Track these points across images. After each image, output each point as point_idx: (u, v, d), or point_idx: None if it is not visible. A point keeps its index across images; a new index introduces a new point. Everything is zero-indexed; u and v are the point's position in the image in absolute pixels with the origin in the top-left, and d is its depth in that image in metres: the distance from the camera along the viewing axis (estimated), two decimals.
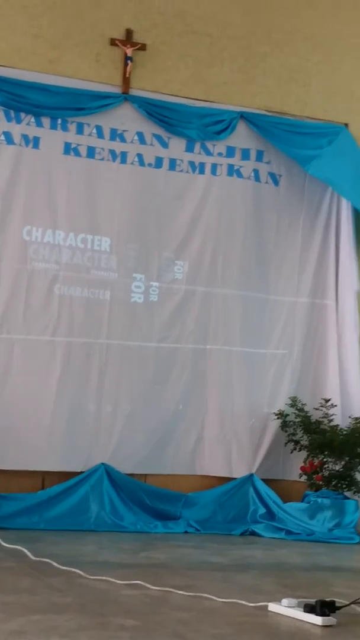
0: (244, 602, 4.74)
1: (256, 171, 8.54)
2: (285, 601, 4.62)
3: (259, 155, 8.57)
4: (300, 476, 8.16)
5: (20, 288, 7.80)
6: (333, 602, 4.49)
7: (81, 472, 7.79)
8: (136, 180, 8.21)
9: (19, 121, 7.85)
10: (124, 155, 8.19)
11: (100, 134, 8.13)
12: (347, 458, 8.07)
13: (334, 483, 8.03)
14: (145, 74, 8.26)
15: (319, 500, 7.93)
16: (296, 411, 8.23)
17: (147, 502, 7.84)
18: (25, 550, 5.84)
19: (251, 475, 8.25)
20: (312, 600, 4.50)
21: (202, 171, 8.42)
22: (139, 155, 8.23)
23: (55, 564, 5.51)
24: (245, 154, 8.53)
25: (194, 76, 8.45)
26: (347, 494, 8.05)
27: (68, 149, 8.03)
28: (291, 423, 8.23)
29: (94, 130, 8.12)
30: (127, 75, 8.16)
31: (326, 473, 8.06)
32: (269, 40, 8.69)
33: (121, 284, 8.12)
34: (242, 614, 4.54)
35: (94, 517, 7.61)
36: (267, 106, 8.64)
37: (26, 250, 7.85)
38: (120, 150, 8.18)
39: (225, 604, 4.74)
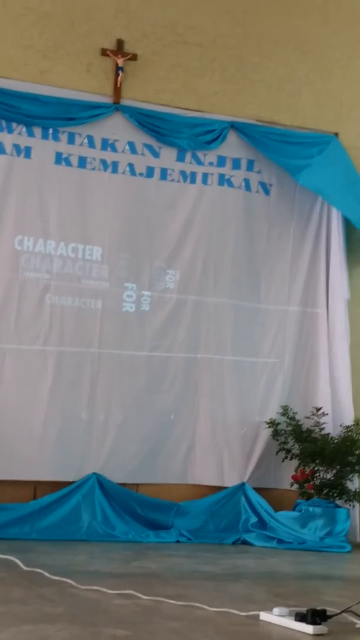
0: (235, 612, 4.74)
1: (247, 181, 8.58)
2: (276, 610, 4.62)
3: (250, 165, 8.60)
4: (292, 485, 8.17)
5: (12, 297, 7.81)
6: (324, 611, 4.50)
7: (73, 482, 7.78)
8: (127, 189, 8.23)
9: (10, 131, 7.87)
10: (115, 165, 8.21)
11: (91, 144, 8.15)
12: (338, 466, 8.08)
13: (325, 491, 8.04)
14: (136, 84, 8.29)
15: (311, 508, 7.94)
16: (287, 420, 8.25)
17: (138, 512, 7.84)
18: (17, 561, 5.83)
19: (243, 484, 8.26)
20: (304, 609, 4.50)
21: (193, 181, 8.44)
22: (130, 165, 8.26)
23: (46, 574, 5.50)
24: (236, 164, 8.56)
25: (184, 86, 8.48)
26: (338, 502, 8.06)
27: (59, 158, 8.04)
28: (282, 432, 8.24)
29: (85, 140, 8.14)
30: (118, 85, 8.19)
31: (317, 482, 8.07)
32: (259, 51, 8.73)
33: (113, 294, 8.13)
34: (233, 623, 4.54)
35: (86, 527, 7.61)
36: (257, 116, 8.68)
37: (18, 259, 7.86)
38: (111, 160, 8.20)
39: (217, 613, 4.74)
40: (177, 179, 8.40)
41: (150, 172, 8.32)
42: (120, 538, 7.54)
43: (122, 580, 5.52)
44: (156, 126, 8.30)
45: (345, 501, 8.09)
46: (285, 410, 8.29)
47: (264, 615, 4.65)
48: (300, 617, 4.47)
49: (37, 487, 7.74)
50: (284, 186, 8.69)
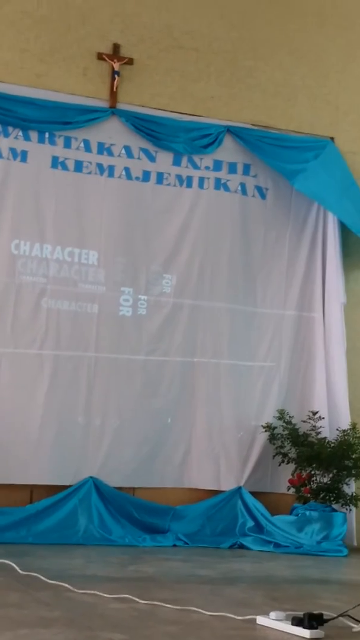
0: (232, 616, 4.74)
1: (243, 185, 8.58)
2: (273, 614, 4.61)
3: (246, 169, 8.62)
4: (289, 489, 8.17)
5: (8, 301, 7.81)
6: (321, 615, 4.49)
7: (69, 486, 7.77)
8: (123, 193, 8.24)
9: (6, 135, 7.88)
10: (111, 169, 8.22)
11: (87, 148, 8.16)
12: (334, 470, 8.08)
13: (322, 495, 8.04)
14: (132, 88, 8.30)
15: (307, 513, 7.94)
16: (284, 424, 8.25)
17: (135, 516, 7.83)
18: (13, 564, 5.82)
19: (239, 488, 8.26)
20: (300, 613, 4.50)
21: (189, 185, 8.45)
22: (127, 169, 8.26)
23: (43, 578, 5.50)
24: (232, 168, 8.57)
25: (180, 90, 8.49)
26: (335, 506, 8.06)
27: (56, 162, 8.05)
28: (279, 436, 8.24)
29: (82, 144, 8.14)
30: (115, 90, 8.20)
31: (314, 486, 8.07)
32: (254, 55, 8.74)
33: (109, 298, 8.13)
34: (230, 627, 4.54)
35: (82, 531, 7.60)
36: (253, 120, 8.69)
37: (14, 263, 7.86)
38: (107, 164, 8.21)
39: (214, 618, 4.74)
40: (173, 183, 8.40)
41: (146, 176, 8.32)
42: (117, 542, 7.53)
43: (119, 584, 5.52)
44: (152, 130, 8.31)
45: (342, 505, 8.09)
46: (281, 414, 8.29)
47: (261, 620, 4.65)
48: (297, 621, 4.46)
49: (34, 491, 7.74)
50: (280, 190, 8.70)
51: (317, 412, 8.27)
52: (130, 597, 5.06)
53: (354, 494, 8.14)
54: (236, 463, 8.31)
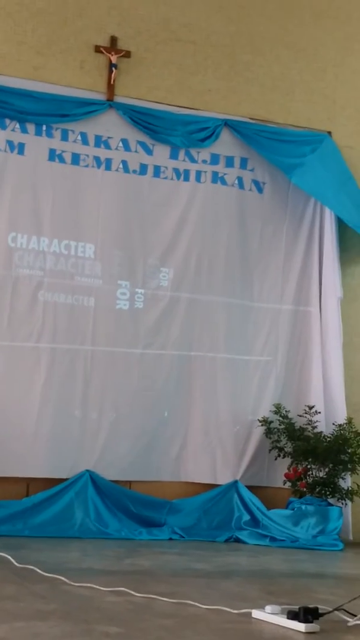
0: (227, 609, 4.74)
1: (240, 179, 8.57)
2: (268, 608, 4.61)
3: (243, 163, 8.60)
4: (285, 483, 8.17)
5: (5, 294, 7.80)
6: (316, 609, 4.49)
7: (66, 479, 7.77)
8: (121, 187, 8.23)
9: (3, 127, 7.86)
10: (108, 162, 8.21)
11: (84, 141, 8.14)
12: (330, 465, 8.09)
13: (317, 490, 8.04)
14: (129, 81, 8.29)
15: (303, 507, 7.95)
16: (280, 418, 8.25)
17: (131, 509, 7.84)
18: (10, 557, 5.82)
19: (235, 482, 8.26)
20: (296, 607, 4.50)
21: (186, 178, 8.44)
22: (124, 162, 8.25)
23: (39, 571, 5.49)
24: (230, 162, 8.56)
25: (178, 83, 8.48)
26: (331, 500, 8.06)
27: (53, 155, 8.03)
28: (275, 430, 8.25)
29: (79, 137, 8.13)
30: (112, 82, 8.19)
31: (310, 480, 8.07)
32: (252, 49, 8.73)
33: (106, 291, 8.12)
34: (225, 621, 4.54)
35: (79, 524, 7.60)
36: (250, 114, 8.68)
37: (11, 256, 7.85)
38: (104, 157, 8.20)
39: (209, 611, 4.74)
40: (170, 177, 8.39)
41: (143, 169, 8.31)
42: (113, 535, 7.54)
43: (115, 578, 5.52)
44: (149, 123, 8.30)
45: (338, 499, 8.10)
46: (278, 409, 8.30)
47: (256, 613, 4.65)
48: (293, 615, 4.46)
49: (30, 484, 7.74)
50: (277, 184, 8.69)
51: (313, 407, 8.28)
52: (126, 590, 5.06)
53: (350, 488, 8.15)
54: (232, 457, 8.31)
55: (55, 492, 7.66)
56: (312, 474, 8.09)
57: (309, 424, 8.22)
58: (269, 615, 4.58)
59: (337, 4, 9.09)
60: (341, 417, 8.32)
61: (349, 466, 8.13)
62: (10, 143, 7.89)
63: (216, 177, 8.51)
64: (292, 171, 8.52)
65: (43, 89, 7.98)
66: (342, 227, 8.73)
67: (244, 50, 8.72)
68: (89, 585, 5.17)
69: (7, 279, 7.82)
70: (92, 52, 8.18)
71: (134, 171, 8.28)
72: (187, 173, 8.44)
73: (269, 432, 8.26)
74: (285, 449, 8.19)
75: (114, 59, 8.17)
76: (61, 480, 7.76)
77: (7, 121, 7.87)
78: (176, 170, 8.41)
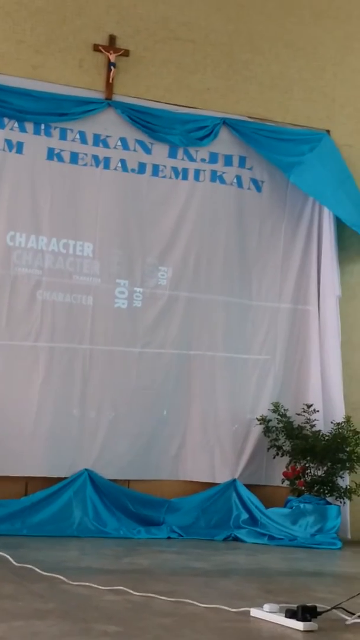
0: (226, 608, 4.74)
1: (239, 177, 8.58)
2: (267, 606, 4.61)
3: (242, 162, 8.61)
4: (283, 481, 8.18)
5: (3, 293, 7.80)
6: (315, 608, 4.49)
7: (64, 478, 7.78)
8: (119, 185, 8.23)
9: (2, 126, 7.86)
10: (107, 161, 8.21)
11: (83, 140, 8.14)
12: (329, 463, 8.10)
13: (316, 488, 8.05)
14: (128, 80, 8.29)
15: (301, 505, 7.95)
16: (279, 417, 8.26)
17: (130, 508, 7.84)
18: (8, 556, 5.82)
19: (234, 480, 8.26)
20: (294, 606, 4.50)
21: (185, 177, 8.44)
22: (122, 161, 8.25)
23: (38, 570, 5.49)
24: (228, 160, 8.56)
25: (176, 82, 8.48)
26: (329, 499, 8.07)
27: (51, 154, 8.03)
28: (274, 428, 8.25)
29: (77, 136, 8.13)
30: (110, 81, 8.19)
31: (308, 478, 8.08)
32: (251, 47, 8.73)
33: (104, 290, 8.13)
34: (224, 620, 4.55)
35: (77, 523, 7.60)
36: (249, 112, 8.68)
37: (9, 255, 7.85)
38: (103, 155, 8.20)
39: (208, 610, 4.74)
40: (169, 175, 8.39)
41: (142, 168, 8.31)
42: (112, 534, 7.54)
43: (113, 577, 5.53)
44: (148, 122, 8.30)
45: (336, 498, 8.10)
46: (276, 407, 8.30)
47: (255, 612, 4.65)
48: (291, 614, 4.46)
49: (29, 483, 7.74)
50: (275, 183, 8.69)
51: (311, 405, 8.28)
52: (125, 589, 5.06)
53: (348, 487, 8.16)
54: (231, 456, 8.32)
55: (54, 491, 7.66)
56: (310, 472, 8.10)
57: (307, 422, 8.22)
58: (268, 613, 4.58)
59: (336, 3, 9.09)
60: (339, 416, 8.33)
61: (347, 465, 8.14)
62: (8, 142, 7.89)
63: (215, 176, 8.51)
64: (291, 170, 8.52)
65: (42, 88, 7.98)
66: (340, 225, 8.73)
67: (243, 49, 8.72)
68: (87, 584, 5.17)
69: (5, 278, 7.82)
70: (90, 51, 8.18)
71: (133, 170, 8.28)
72: (185, 172, 8.44)
73: (267, 431, 8.26)
74: (284, 448, 8.19)
75: (112, 57, 8.17)
76: (60, 479, 7.77)
77: (6, 120, 7.87)
78: (175, 169, 8.41)
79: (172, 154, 8.41)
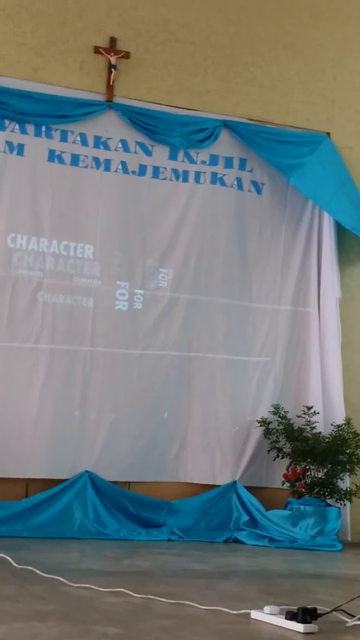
0: (226, 610, 4.75)
1: (239, 179, 8.58)
2: (267, 608, 4.62)
3: (242, 164, 8.61)
4: (283, 483, 8.18)
5: (4, 295, 7.81)
6: (315, 610, 4.50)
7: (65, 480, 7.78)
8: (120, 187, 8.23)
9: (3, 128, 7.87)
10: (107, 163, 8.21)
11: (84, 142, 8.15)
12: (329, 465, 8.10)
13: (316, 490, 8.05)
14: (129, 82, 8.29)
15: (302, 507, 7.95)
16: (279, 419, 8.26)
17: (130, 510, 7.84)
18: (9, 558, 5.82)
19: (234, 482, 8.26)
20: (294, 608, 4.51)
21: (185, 179, 8.44)
22: (123, 163, 8.26)
23: (38, 572, 5.50)
24: (228, 162, 8.57)
25: (177, 84, 8.49)
26: (329, 501, 8.07)
27: (52, 156, 8.04)
28: (274, 430, 8.25)
29: (78, 138, 8.14)
30: (111, 83, 8.19)
31: (309, 480, 8.08)
32: (251, 49, 8.74)
33: (105, 292, 8.13)
34: (224, 622, 4.55)
35: (78, 525, 7.60)
36: (249, 114, 8.69)
37: (10, 257, 7.85)
38: (104, 157, 8.20)
39: (208, 612, 4.75)
40: (169, 178, 8.40)
41: (142, 170, 8.32)
42: (112, 536, 7.54)
43: (114, 578, 5.53)
44: (149, 124, 8.30)
45: (337, 500, 8.11)
46: (276, 409, 8.30)
47: (255, 614, 4.66)
48: (291, 616, 4.47)
49: (29, 485, 7.74)
50: (275, 185, 8.70)
51: (311, 407, 8.29)
52: (125, 591, 5.07)
53: (348, 489, 8.16)
54: (231, 458, 8.32)
55: (55, 493, 7.67)
56: (310, 474, 8.10)
57: (307, 424, 8.23)
58: (268, 615, 4.59)
59: (335, 5, 9.10)
60: (340, 418, 8.33)
61: (348, 467, 8.14)
62: (9, 144, 7.90)
63: (215, 178, 8.52)
64: (291, 172, 8.52)
65: (42, 90, 7.98)
66: (340, 227, 8.73)
67: (243, 51, 8.73)
68: (87, 586, 5.18)
69: (6, 280, 7.82)
70: (91, 53, 8.18)
71: (133, 172, 8.28)
72: (186, 174, 8.45)
73: (267, 433, 8.27)
74: (284, 450, 8.20)
75: (113, 60, 8.18)
76: (60, 481, 7.77)
77: (7, 122, 7.87)
78: (175, 171, 8.42)
79: (173, 156, 8.42)
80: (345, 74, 9.10)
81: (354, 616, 4.61)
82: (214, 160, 8.53)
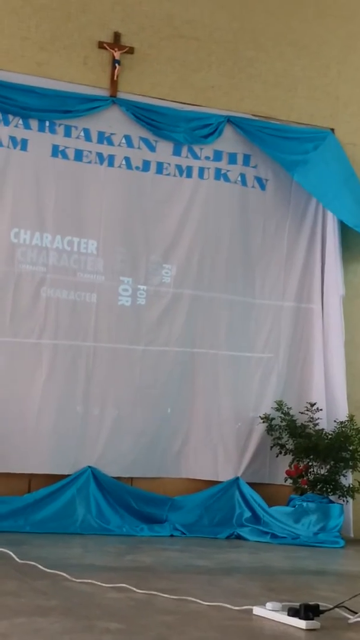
0: (228, 606, 4.75)
1: (243, 175, 8.57)
2: (269, 605, 4.62)
3: (246, 160, 8.60)
4: (286, 480, 8.18)
5: (8, 290, 7.81)
6: (317, 606, 4.50)
7: (68, 475, 7.78)
8: (123, 183, 8.22)
9: (6, 123, 7.86)
10: (111, 159, 8.20)
11: (87, 137, 8.14)
12: (332, 462, 8.09)
13: (319, 487, 8.05)
14: (133, 77, 8.29)
15: (304, 504, 7.95)
16: (282, 415, 8.25)
17: (133, 506, 7.84)
18: (11, 553, 5.82)
19: (237, 478, 8.27)
20: (297, 604, 4.51)
21: (189, 175, 8.43)
22: (127, 159, 8.25)
23: (40, 567, 5.50)
24: (232, 158, 8.55)
25: (181, 80, 8.48)
26: (332, 498, 8.07)
27: (56, 151, 8.03)
28: (277, 427, 8.25)
29: (82, 133, 8.13)
30: (115, 79, 8.18)
31: (311, 477, 8.08)
32: (255, 45, 8.73)
33: (108, 287, 8.13)
34: (226, 618, 4.55)
35: (80, 520, 7.61)
36: (253, 110, 8.67)
37: (14, 252, 7.85)
38: (107, 153, 8.20)
39: (210, 608, 4.75)
40: (173, 173, 8.39)
41: (146, 165, 8.31)
42: (115, 532, 7.55)
43: (116, 574, 5.53)
44: (152, 120, 8.29)
45: (339, 497, 8.10)
46: (279, 406, 8.30)
47: (257, 610, 4.65)
48: (293, 612, 4.47)
49: (32, 480, 7.75)
50: (279, 181, 8.69)
51: (315, 404, 8.28)
52: (128, 586, 5.07)
53: (351, 486, 8.16)
54: (234, 454, 8.32)
55: (57, 488, 7.67)
56: (313, 471, 8.09)
57: (310, 421, 8.22)
58: (270, 612, 4.58)
59: (340, 2, 9.09)
60: (343, 415, 8.32)
61: (350, 463, 8.13)
62: (13, 139, 7.89)
63: (219, 174, 8.51)
64: (295, 168, 8.52)
65: (46, 85, 7.97)
66: (344, 225, 8.71)
67: (247, 46, 8.71)
68: (90, 581, 5.18)
69: (9, 275, 7.82)
70: (95, 48, 8.18)
71: (137, 167, 8.28)
72: (189, 170, 8.44)
73: (270, 429, 8.26)
74: (287, 446, 8.19)
75: (117, 55, 8.17)
76: (63, 477, 7.77)
77: (10, 117, 7.87)
78: (179, 167, 8.41)
79: (177, 152, 8.41)
80: (350, 71, 9.09)
81: (356, 613, 4.61)
82: (217, 156, 8.52)
